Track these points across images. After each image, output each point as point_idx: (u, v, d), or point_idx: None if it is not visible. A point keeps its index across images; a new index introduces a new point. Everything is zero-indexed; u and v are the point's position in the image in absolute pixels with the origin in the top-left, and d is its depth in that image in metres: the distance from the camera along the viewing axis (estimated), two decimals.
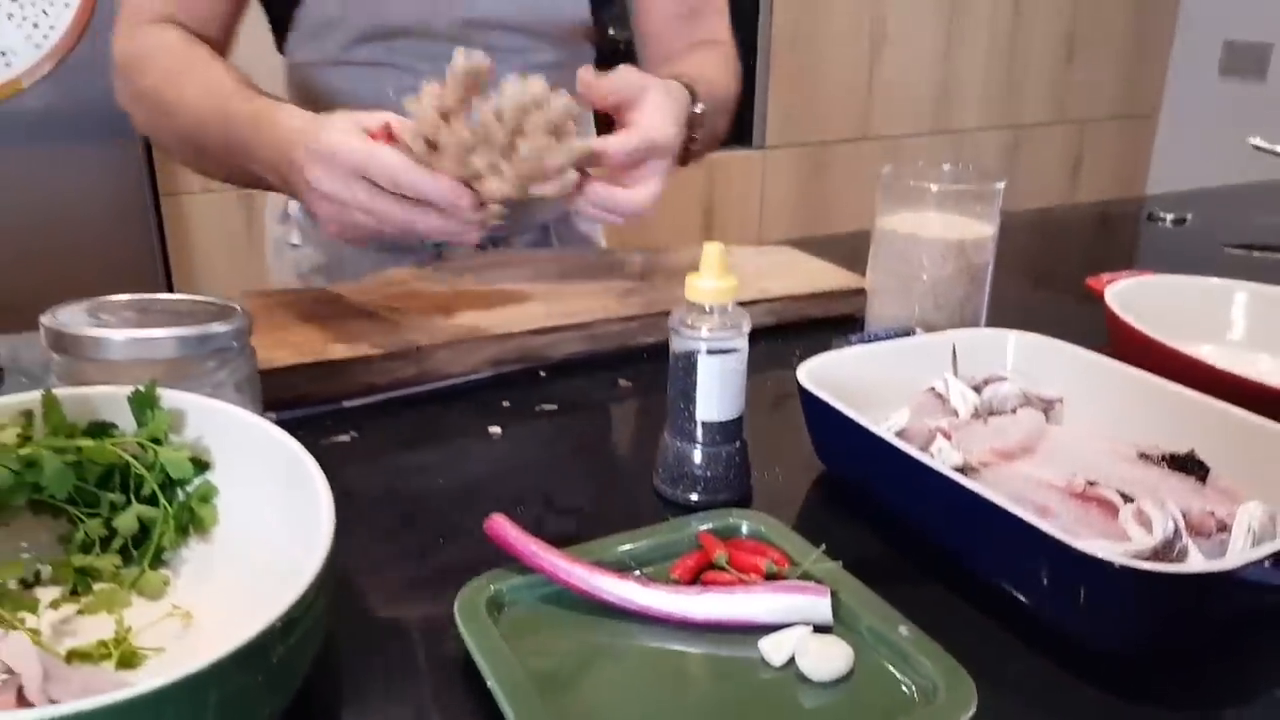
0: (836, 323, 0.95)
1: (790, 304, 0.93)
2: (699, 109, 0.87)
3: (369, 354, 0.76)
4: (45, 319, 0.58)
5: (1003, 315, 0.85)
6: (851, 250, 1.04)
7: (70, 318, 0.59)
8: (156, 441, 0.53)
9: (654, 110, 0.75)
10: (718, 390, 0.61)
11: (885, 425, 0.64)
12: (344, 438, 0.72)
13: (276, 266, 1.14)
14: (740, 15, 1.10)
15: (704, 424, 0.61)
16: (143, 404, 0.54)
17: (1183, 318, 0.82)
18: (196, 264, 2.08)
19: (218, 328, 0.59)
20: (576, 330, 0.84)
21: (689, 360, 0.61)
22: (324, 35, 0.97)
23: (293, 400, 0.74)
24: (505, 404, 0.77)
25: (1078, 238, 1.40)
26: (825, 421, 0.64)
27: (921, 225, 0.81)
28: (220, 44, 0.92)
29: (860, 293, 0.96)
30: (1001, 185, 0.80)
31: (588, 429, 0.76)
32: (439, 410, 0.76)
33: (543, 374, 0.83)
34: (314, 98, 1.02)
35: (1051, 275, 1.18)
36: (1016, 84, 2.90)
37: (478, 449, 0.71)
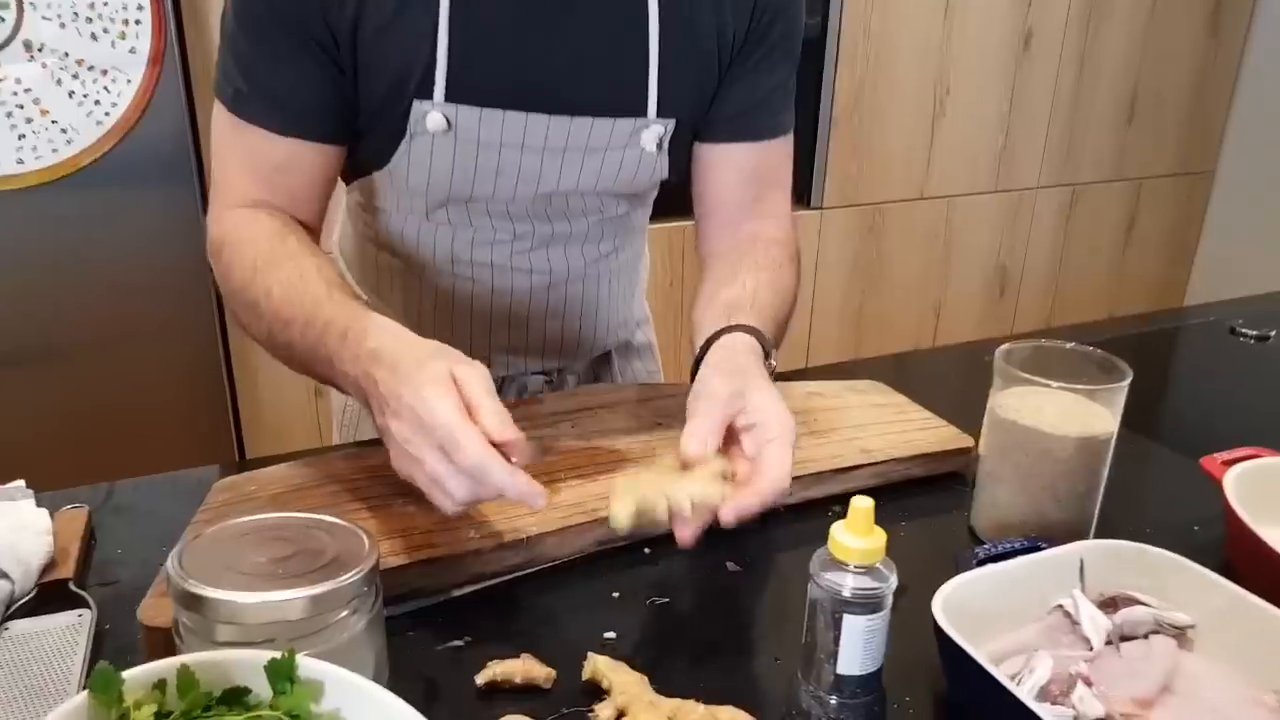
0: (940, 480, 0.93)
1: (895, 466, 0.91)
2: (772, 364, 0.84)
3: (480, 547, 0.74)
4: (172, 569, 0.57)
5: (1116, 489, 0.83)
6: (921, 374, 1.03)
7: (198, 566, 0.57)
8: (297, 718, 0.52)
9: (769, 445, 0.73)
10: (861, 646, 0.59)
11: (1027, 680, 0.62)
12: (459, 642, 0.70)
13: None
14: (804, 77, 1.06)
15: (843, 677, 0.60)
16: (279, 673, 0.53)
17: None
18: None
19: (349, 579, 0.58)
20: None
21: (830, 615, 0.59)
22: (401, 193, 0.96)
23: (400, 596, 0.73)
24: (615, 595, 0.76)
25: (1158, 359, 1.37)
26: (964, 668, 0.62)
27: (1040, 417, 0.78)
28: (313, 225, 0.91)
29: (966, 451, 0.94)
30: (1127, 381, 0.77)
31: (704, 627, 0.74)
32: (551, 604, 0.75)
33: (647, 550, 0.82)
34: (376, 238, 1.02)
35: (1148, 417, 1.15)
36: (1077, 143, 2.86)
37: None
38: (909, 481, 0.93)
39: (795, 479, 0.84)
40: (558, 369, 1.12)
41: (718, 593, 0.77)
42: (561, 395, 1.01)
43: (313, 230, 0.90)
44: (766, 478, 0.71)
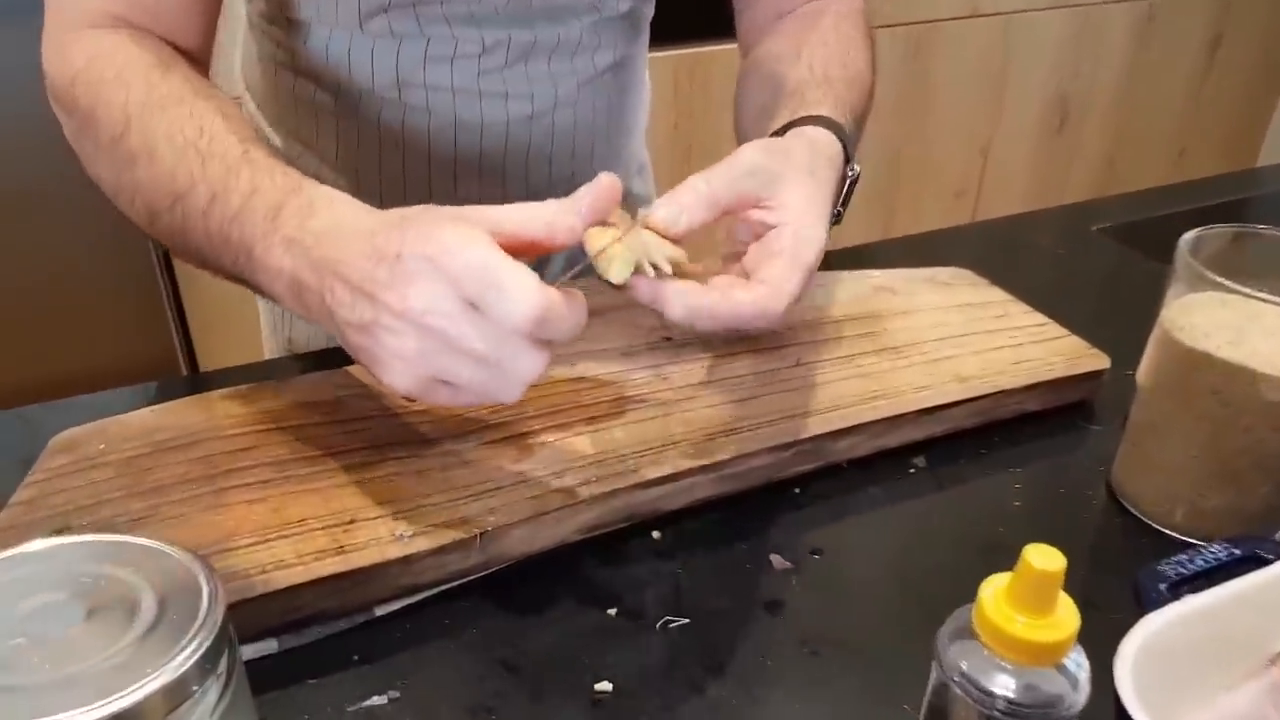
0: (1051, 416, 0.68)
1: (1003, 400, 0.66)
2: (854, 170, 0.61)
3: (410, 552, 0.50)
4: None
5: None
6: (997, 251, 0.76)
7: None
8: None
9: (795, 222, 0.53)
10: None
11: None
12: (380, 700, 0.47)
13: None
14: None
15: None
16: None
17: None
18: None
19: (176, 668, 0.34)
20: (703, 474, 0.58)
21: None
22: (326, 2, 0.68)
23: (297, 622, 0.50)
24: (611, 613, 0.52)
25: None
26: None
27: (1248, 345, 0.52)
28: (195, 50, 0.63)
29: (1098, 375, 0.68)
30: None
31: (745, 666, 0.50)
32: (516, 632, 0.51)
33: (656, 535, 0.58)
34: (293, 62, 0.73)
35: None
36: None
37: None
38: (1013, 418, 0.67)
39: (863, 426, 0.59)
40: None
41: (762, 606, 0.54)
42: None
43: (197, 60, 0.63)
44: (748, 291, 0.51)
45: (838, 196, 0.60)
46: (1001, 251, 0.93)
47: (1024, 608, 0.33)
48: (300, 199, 0.49)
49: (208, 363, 1.73)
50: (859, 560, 0.57)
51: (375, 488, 0.54)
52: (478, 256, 0.43)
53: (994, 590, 0.34)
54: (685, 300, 0.49)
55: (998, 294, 0.77)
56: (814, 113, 0.62)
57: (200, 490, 0.53)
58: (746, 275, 0.53)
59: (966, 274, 0.80)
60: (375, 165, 0.76)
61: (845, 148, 0.61)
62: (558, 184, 0.80)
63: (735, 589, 0.54)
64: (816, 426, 0.60)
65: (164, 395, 0.63)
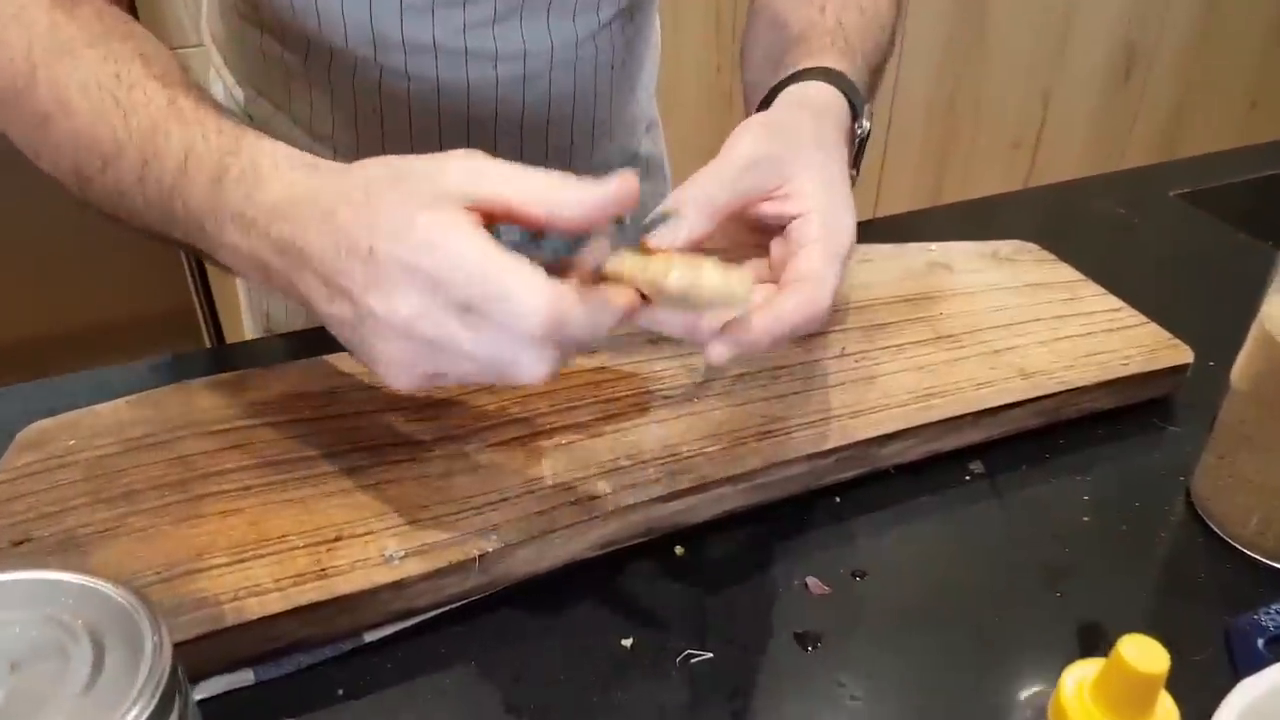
0: (1123, 415, 0.61)
1: (1073, 399, 0.59)
2: (863, 128, 0.54)
3: (402, 576, 0.45)
4: None
5: None
6: (1068, 222, 0.69)
7: None
8: None
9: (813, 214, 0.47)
10: None
11: None
12: None
13: None
14: None
15: None
16: None
17: None
18: None
19: None
20: (731, 484, 0.52)
21: None
22: None
23: (275, 652, 0.45)
24: (625, 643, 0.47)
25: None
26: None
27: None
28: None
29: (1181, 370, 0.61)
30: None
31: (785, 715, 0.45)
32: (517, 665, 0.46)
33: (678, 550, 0.52)
34: (258, 17, 0.66)
35: None
36: None
37: None
38: (1081, 418, 0.60)
39: (917, 429, 0.53)
40: None
41: (796, 638, 0.47)
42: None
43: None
44: (788, 295, 0.44)
45: (850, 159, 0.53)
46: (1067, 220, 0.85)
47: (1115, 710, 0.27)
48: (241, 162, 0.42)
49: (228, 315, 1.68)
50: (906, 585, 0.50)
51: (365, 497, 0.48)
52: (468, 258, 0.37)
53: (1078, 682, 0.28)
54: (733, 337, 0.43)
55: (1066, 272, 0.70)
56: (817, 63, 0.54)
57: (173, 498, 0.48)
58: (773, 266, 0.47)
59: (1031, 248, 0.73)
60: (351, 134, 0.69)
61: (853, 104, 0.53)
62: (555, 155, 0.73)
63: (766, 617, 0.48)
64: (862, 430, 0.54)
65: (155, 376, 0.58)
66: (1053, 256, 0.71)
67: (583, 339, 0.39)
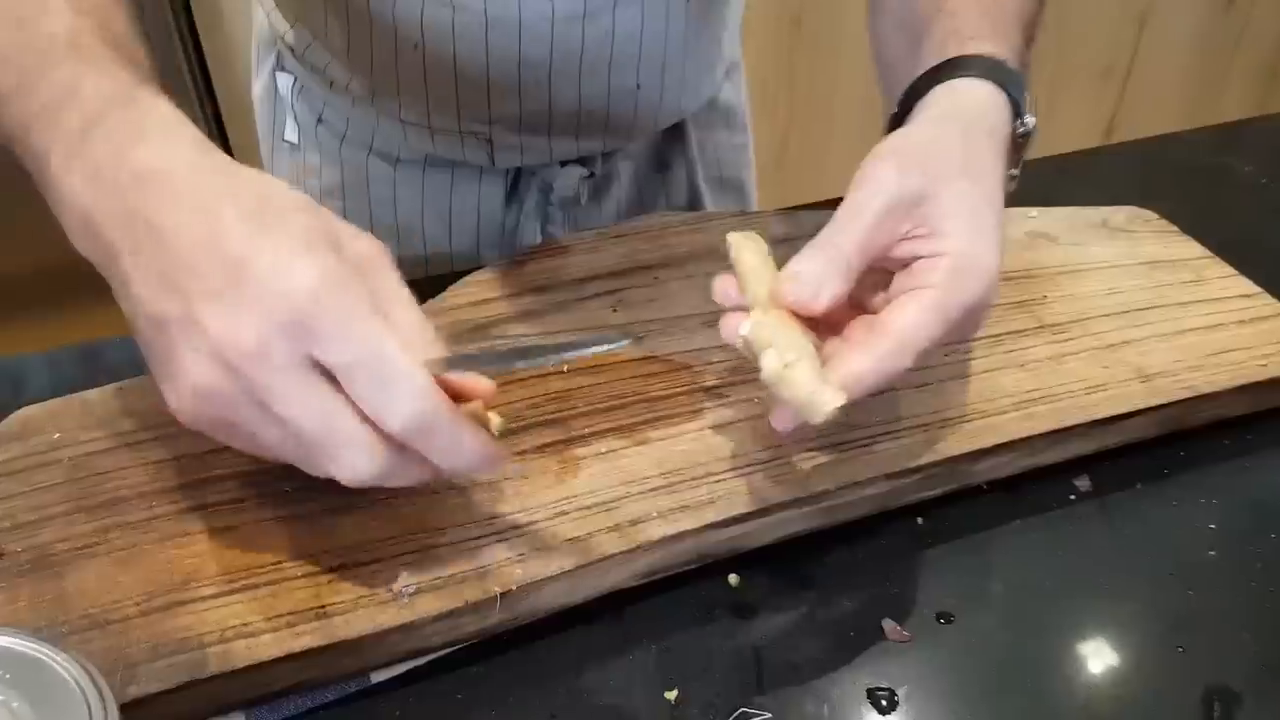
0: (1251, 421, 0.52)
1: (1199, 405, 0.50)
2: (1025, 125, 0.46)
3: (414, 619, 0.39)
4: None
5: None
6: (1181, 182, 0.60)
7: None
8: None
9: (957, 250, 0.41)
10: None
11: None
12: None
13: (272, 166, 0.74)
14: None
15: None
16: None
17: None
18: None
19: None
20: (797, 507, 0.44)
21: None
22: None
23: (270, 695, 0.39)
24: (670, 696, 0.40)
25: None
26: None
27: None
28: None
29: None
30: None
31: None
32: (540, 712, 0.40)
33: (733, 580, 0.45)
34: None
35: None
36: None
37: None
38: (1206, 426, 0.52)
39: (1018, 443, 0.45)
40: (602, 153, 0.70)
41: (870, 696, 0.41)
42: (599, 240, 0.60)
43: None
44: (864, 353, 0.39)
45: (1011, 161, 0.45)
46: (1180, 180, 0.75)
47: None
48: (128, 115, 0.36)
49: None
50: (1001, 631, 0.43)
51: (374, 516, 0.42)
52: (365, 330, 0.33)
53: None
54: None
55: (1189, 247, 0.60)
56: (967, 49, 0.45)
57: (161, 509, 0.43)
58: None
59: (1148, 216, 0.63)
60: (391, 70, 0.61)
61: (1014, 98, 0.45)
62: (618, 99, 0.64)
63: (835, 668, 0.41)
64: (953, 445, 0.46)
65: None
66: (1173, 228, 0.62)
67: (441, 462, 0.35)
